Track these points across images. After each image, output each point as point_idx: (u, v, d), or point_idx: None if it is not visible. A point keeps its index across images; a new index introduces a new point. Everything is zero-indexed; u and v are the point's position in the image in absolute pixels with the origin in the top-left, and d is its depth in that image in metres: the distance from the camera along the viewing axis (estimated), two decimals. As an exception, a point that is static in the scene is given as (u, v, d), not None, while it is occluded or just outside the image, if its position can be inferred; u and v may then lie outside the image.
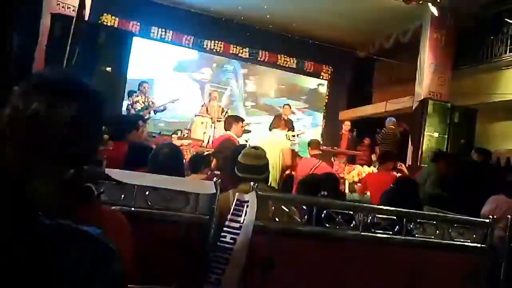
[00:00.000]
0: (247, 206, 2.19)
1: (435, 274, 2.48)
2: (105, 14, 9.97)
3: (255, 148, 2.96)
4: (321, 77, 12.65)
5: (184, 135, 8.77)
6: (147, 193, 2.09)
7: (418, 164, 8.34)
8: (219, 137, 6.36)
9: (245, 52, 11.66)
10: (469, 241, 2.62)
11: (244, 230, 2.15)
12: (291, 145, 5.90)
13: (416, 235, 2.51)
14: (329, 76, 12.67)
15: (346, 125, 10.16)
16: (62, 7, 6.50)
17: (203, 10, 10.58)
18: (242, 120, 6.17)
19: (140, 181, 2.11)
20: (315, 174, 4.79)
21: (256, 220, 2.16)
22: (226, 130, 5.92)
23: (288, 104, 9.99)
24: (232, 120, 6.01)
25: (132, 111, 8.14)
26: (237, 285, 2.10)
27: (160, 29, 10.81)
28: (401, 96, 10.02)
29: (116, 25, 10.06)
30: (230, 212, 2.20)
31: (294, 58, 12.12)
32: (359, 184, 7.27)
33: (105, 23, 9.66)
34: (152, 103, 8.66)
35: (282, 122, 6.03)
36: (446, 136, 8.66)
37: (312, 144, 6.54)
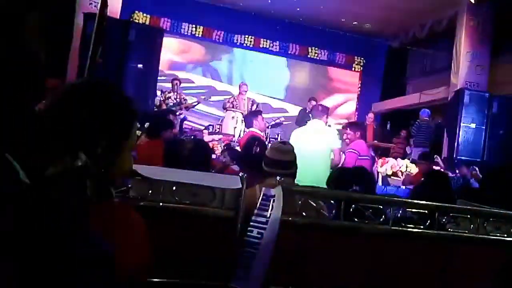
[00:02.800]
0: (274, 201, 2.18)
1: (468, 269, 2.41)
2: (136, 12, 10.12)
3: (283, 143, 2.99)
4: (353, 69, 12.47)
5: (215, 130, 8.83)
6: (174, 188, 2.11)
7: (455, 156, 8.12)
8: (243, 136, 6.36)
9: (276, 45, 11.61)
10: (505, 235, 2.52)
11: (271, 224, 2.14)
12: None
13: (449, 230, 2.43)
14: (361, 68, 12.47)
15: (369, 117, 10.00)
16: (95, 6, 6.64)
17: (233, 4, 10.58)
18: (260, 112, 6.15)
19: (167, 176, 2.13)
20: (346, 168, 4.73)
21: (283, 214, 2.15)
22: (248, 127, 5.91)
23: (314, 98, 9.93)
24: (251, 116, 6.00)
25: (164, 107, 8.26)
26: (264, 279, 2.09)
27: (190, 25, 10.90)
28: (436, 86, 9.76)
29: (147, 22, 10.21)
30: (257, 207, 2.19)
31: (325, 50, 11.99)
32: (393, 177, 7.15)
33: (136, 21, 9.81)
34: (184, 99, 8.76)
35: (320, 110, 5.38)
36: (484, 127, 8.36)
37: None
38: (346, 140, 5.84)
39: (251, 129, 5.82)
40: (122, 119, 0.99)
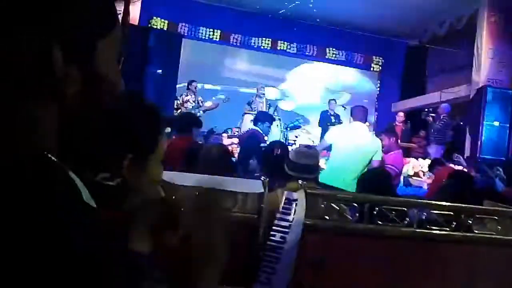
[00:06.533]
0: (296, 205, 2.17)
1: (496, 272, 2.36)
2: (154, 18, 10.22)
3: (308, 147, 2.97)
4: (371, 69, 12.36)
5: (234, 133, 8.83)
6: (196, 193, 2.12)
7: (478, 155, 7.97)
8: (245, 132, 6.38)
9: (293, 47, 11.59)
10: (534, 236, 2.46)
11: (294, 228, 2.13)
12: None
13: (476, 231, 2.39)
14: (380, 68, 12.35)
15: (400, 116, 9.86)
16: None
17: (249, 7, 10.60)
18: (272, 119, 6.14)
19: (188, 182, 2.14)
20: (369, 171, 4.64)
21: (306, 218, 2.14)
22: (254, 124, 5.89)
23: (334, 99, 9.91)
24: (260, 117, 5.98)
25: (183, 110, 8.24)
26: (288, 284, 2.09)
27: (207, 30, 10.95)
28: (457, 84, 9.61)
29: (165, 28, 10.29)
30: (279, 211, 2.19)
31: (343, 51, 11.91)
32: (414, 178, 7.06)
33: (154, 26, 9.90)
34: (202, 102, 8.73)
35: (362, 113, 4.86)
36: (508, 125, 8.19)
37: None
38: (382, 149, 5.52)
39: (255, 127, 5.81)
40: (149, 130, 0.99)
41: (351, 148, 4.48)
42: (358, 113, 4.90)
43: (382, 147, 5.09)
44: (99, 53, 0.61)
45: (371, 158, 4.56)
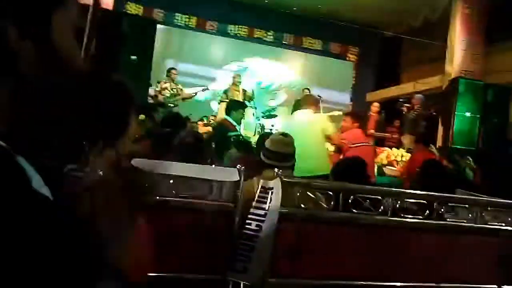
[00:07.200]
0: (272, 193, 2.16)
1: (467, 259, 2.41)
2: (129, 3, 10.02)
3: (284, 134, 2.94)
4: (347, 58, 12.43)
5: (210, 121, 8.76)
6: (171, 181, 2.09)
7: (449, 145, 8.14)
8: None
9: (269, 35, 11.55)
10: (503, 224, 2.52)
11: (270, 217, 2.13)
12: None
13: (448, 220, 2.43)
14: (356, 58, 12.44)
15: (375, 107, 9.94)
16: (86, -3, 6.54)
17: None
18: (244, 106, 6.10)
19: (164, 170, 2.11)
20: (343, 160, 4.68)
21: (282, 207, 2.13)
22: (226, 115, 5.81)
23: (308, 88, 9.93)
24: (233, 105, 5.92)
25: (160, 98, 8.11)
26: (263, 272, 2.08)
27: (183, 16, 10.81)
28: (431, 75, 9.76)
29: (140, 14, 10.10)
30: (255, 199, 2.17)
31: (319, 40, 11.95)
32: (388, 167, 7.14)
33: (129, 12, 9.70)
34: (181, 90, 8.58)
35: (312, 101, 5.04)
36: (479, 115, 8.38)
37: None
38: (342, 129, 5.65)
39: (226, 117, 5.75)
40: (118, 113, 0.96)
41: (299, 135, 4.50)
42: (306, 100, 5.12)
43: (341, 127, 5.39)
44: (53, 27, 0.58)
45: (323, 135, 4.65)
